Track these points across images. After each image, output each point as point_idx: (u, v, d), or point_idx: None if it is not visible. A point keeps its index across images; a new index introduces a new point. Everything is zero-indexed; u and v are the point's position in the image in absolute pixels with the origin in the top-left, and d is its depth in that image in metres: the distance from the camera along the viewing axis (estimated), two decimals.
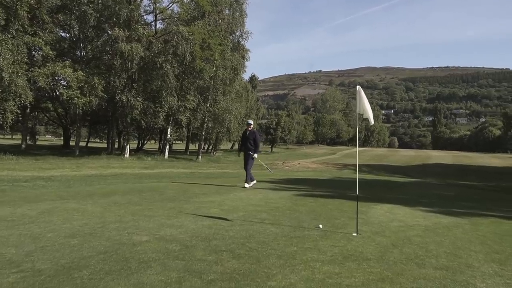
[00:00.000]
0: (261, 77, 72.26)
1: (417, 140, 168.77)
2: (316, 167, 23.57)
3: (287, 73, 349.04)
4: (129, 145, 25.04)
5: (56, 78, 19.10)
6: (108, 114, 27.18)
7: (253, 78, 65.63)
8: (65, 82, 21.81)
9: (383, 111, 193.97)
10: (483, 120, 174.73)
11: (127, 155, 23.98)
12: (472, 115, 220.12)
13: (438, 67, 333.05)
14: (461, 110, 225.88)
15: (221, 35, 25.46)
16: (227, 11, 28.56)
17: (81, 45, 22.75)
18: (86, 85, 19.42)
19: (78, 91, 19.11)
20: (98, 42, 20.40)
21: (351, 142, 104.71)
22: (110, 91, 22.04)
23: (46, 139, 75.44)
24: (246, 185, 9.28)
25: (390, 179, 16.60)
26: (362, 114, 4.63)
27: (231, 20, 27.44)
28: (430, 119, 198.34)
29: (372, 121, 4.75)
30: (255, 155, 9.53)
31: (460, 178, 22.72)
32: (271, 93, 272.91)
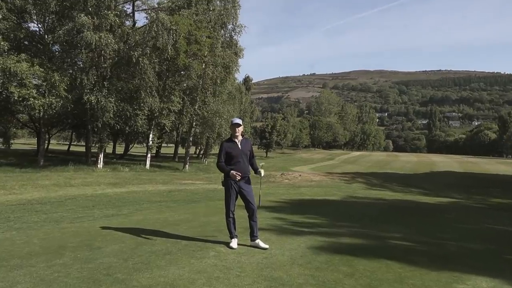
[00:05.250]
0: (255, 79, 69.29)
1: (412, 143, 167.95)
2: (321, 179, 20.43)
3: (281, 76, 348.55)
4: (102, 153, 21.61)
5: (8, 74, 15.51)
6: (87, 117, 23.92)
7: (247, 80, 62.72)
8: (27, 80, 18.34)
9: (377, 114, 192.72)
10: (476, 123, 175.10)
11: (100, 165, 20.57)
12: (464, 118, 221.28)
13: (431, 71, 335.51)
14: (454, 113, 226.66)
15: (210, 27, 22.23)
16: (218, 2, 25.39)
17: (46, 36, 19.26)
18: (44, 83, 16.01)
19: (34, 90, 15.69)
20: (60, 31, 17.03)
21: (347, 146, 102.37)
22: (79, 90, 18.67)
23: (34, 142, 70.99)
24: (260, 243, 5.22)
25: (415, 198, 13.60)
26: None
27: (222, 12, 24.22)
28: (424, 122, 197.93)
29: None
30: (261, 171, 5.30)
31: (484, 192, 19.83)
32: (265, 95, 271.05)
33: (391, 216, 9.64)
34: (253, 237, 5.37)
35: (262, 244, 5.28)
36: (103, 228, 6.25)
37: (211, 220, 7.26)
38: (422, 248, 5.82)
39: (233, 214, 5.36)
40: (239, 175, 5.03)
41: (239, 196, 5.36)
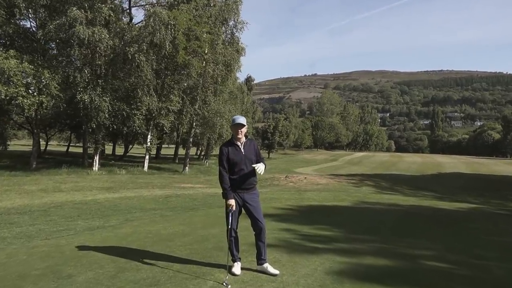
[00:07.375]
0: (256, 80, 68.10)
1: (414, 143, 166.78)
2: (327, 182, 19.44)
3: (282, 76, 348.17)
4: (99, 155, 20.66)
5: None
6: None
7: (249, 80, 61.78)
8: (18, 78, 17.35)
9: (379, 114, 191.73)
10: (479, 123, 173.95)
11: (95, 168, 19.64)
12: (467, 118, 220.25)
13: (433, 71, 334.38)
14: (456, 114, 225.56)
15: (210, 22, 21.26)
16: None
17: (38, 31, 18.27)
18: (34, 81, 15.05)
19: (23, 89, 14.74)
20: (51, 26, 16.03)
21: (349, 146, 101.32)
22: (74, 90, 17.71)
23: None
24: (269, 268, 4.20)
25: (431, 204, 12.61)
26: None
27: (223, 7, 23.24)
28: (426, 122, 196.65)
29: None
30: (260, 168, 4.11)
31: (499, 195, 18.83)
32: (266, 96, 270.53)
33: (411, 226, 8.65)
34: (260, 260, 4.37)
35: (271, 269, 4.29)
36: (81, 247, 5.27)
37: (210, 234, 6.29)
38: (463, 272, 4.82)
39: (236, 233, 4.37)
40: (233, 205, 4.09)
41: (243, 211, 4.42)
